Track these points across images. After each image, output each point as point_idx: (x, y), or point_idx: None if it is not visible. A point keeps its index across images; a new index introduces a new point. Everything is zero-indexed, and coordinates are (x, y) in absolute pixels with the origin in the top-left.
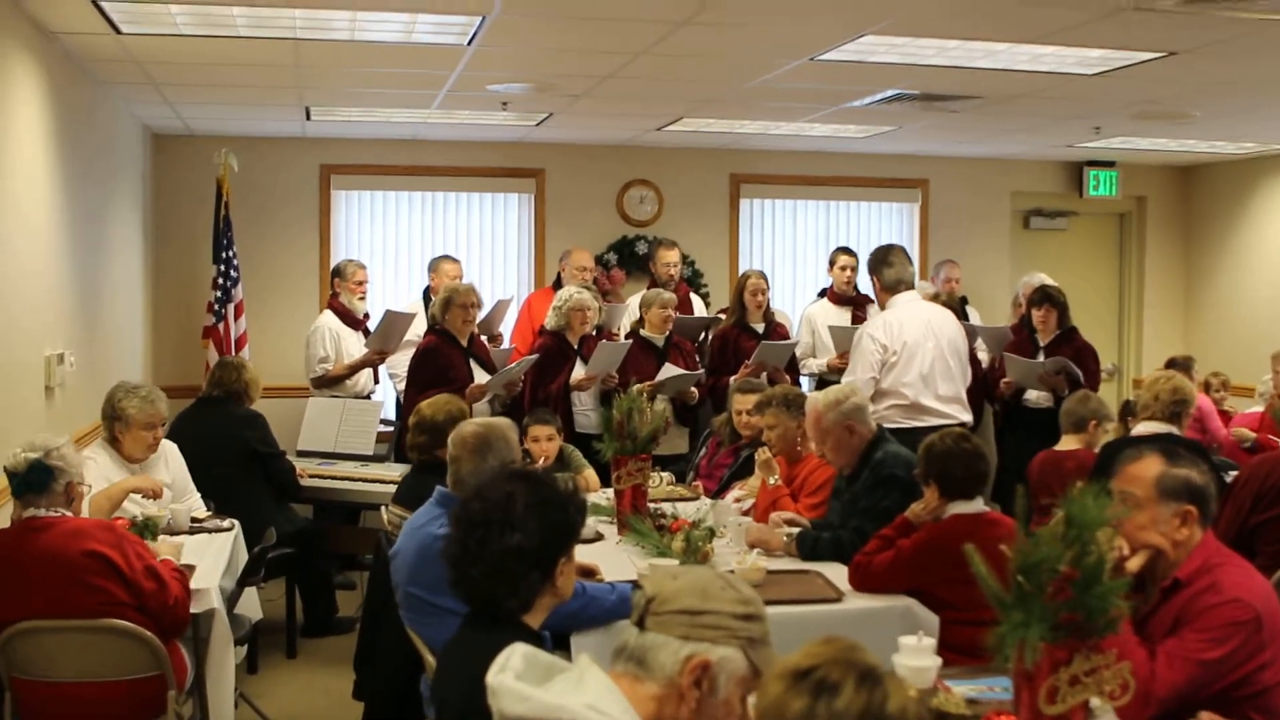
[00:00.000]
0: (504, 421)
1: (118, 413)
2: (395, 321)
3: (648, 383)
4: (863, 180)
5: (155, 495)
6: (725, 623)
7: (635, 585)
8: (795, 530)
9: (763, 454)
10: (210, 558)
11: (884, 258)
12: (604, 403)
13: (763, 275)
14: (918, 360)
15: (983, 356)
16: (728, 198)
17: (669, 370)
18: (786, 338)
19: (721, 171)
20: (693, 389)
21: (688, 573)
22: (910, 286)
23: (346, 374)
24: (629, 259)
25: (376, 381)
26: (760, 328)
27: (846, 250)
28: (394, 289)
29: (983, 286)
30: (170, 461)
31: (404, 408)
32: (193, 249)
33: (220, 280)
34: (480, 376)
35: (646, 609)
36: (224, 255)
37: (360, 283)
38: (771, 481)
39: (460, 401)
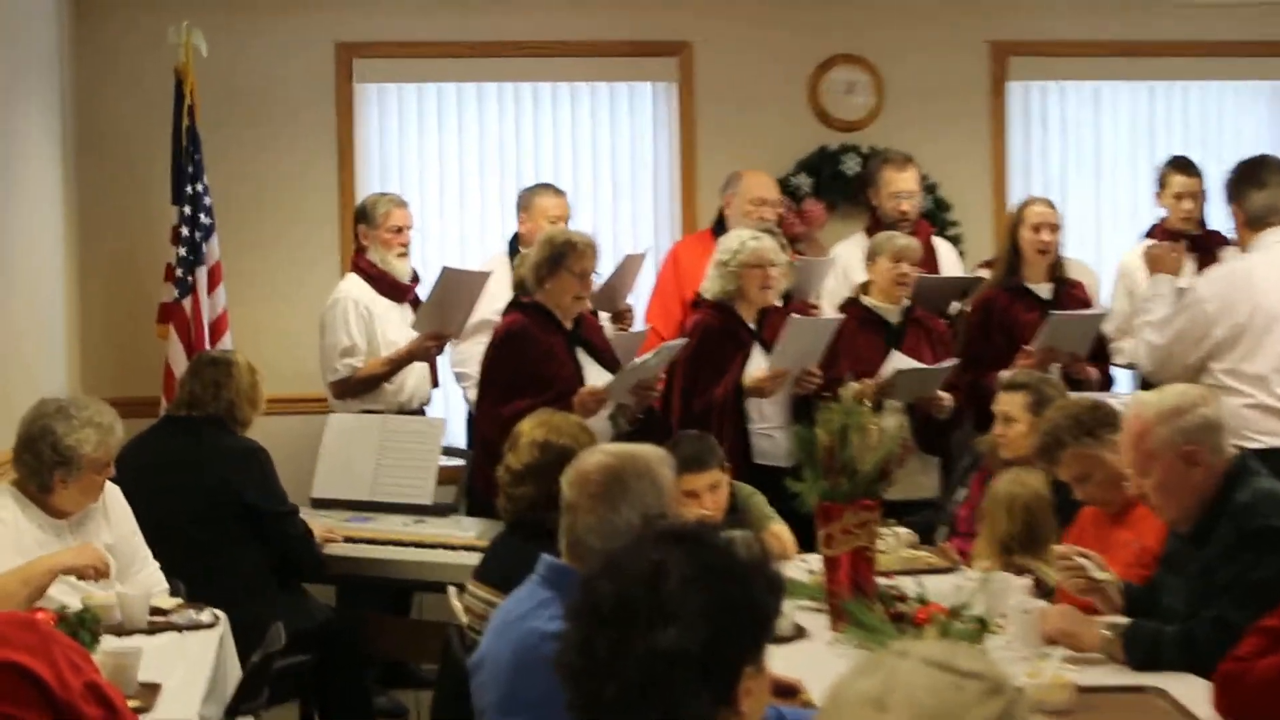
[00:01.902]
0: (649, 451)
1: (63, 453)
2: (459, 286)
3: (872, 382)
4: (1220, 46)
5: (97, 574)
6: None
7: None
8: (1118, 621)
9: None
10: (184, 671)
11: (1252, 175)
12: (800, 416)
13: (1050, 205)
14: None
15: None
16: (988, 81)
17: (906, 361)
18: (1089, 304)
19: (976, 38)
20: (943, 394)
21: (911, 681)
22: None
23: (385, 373)
24: (832, 184)
25: (435, 384)
26: (1046, 290)
27: (1185, 165)
28: (455, 238)
29: None
30: (112, 513)
31: (480, 427)
32: (140, 182)
33: (186, 231)
34: (595, 376)
35: None
36: (189, 191)
37: (399, 229)
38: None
39: (576, 419)
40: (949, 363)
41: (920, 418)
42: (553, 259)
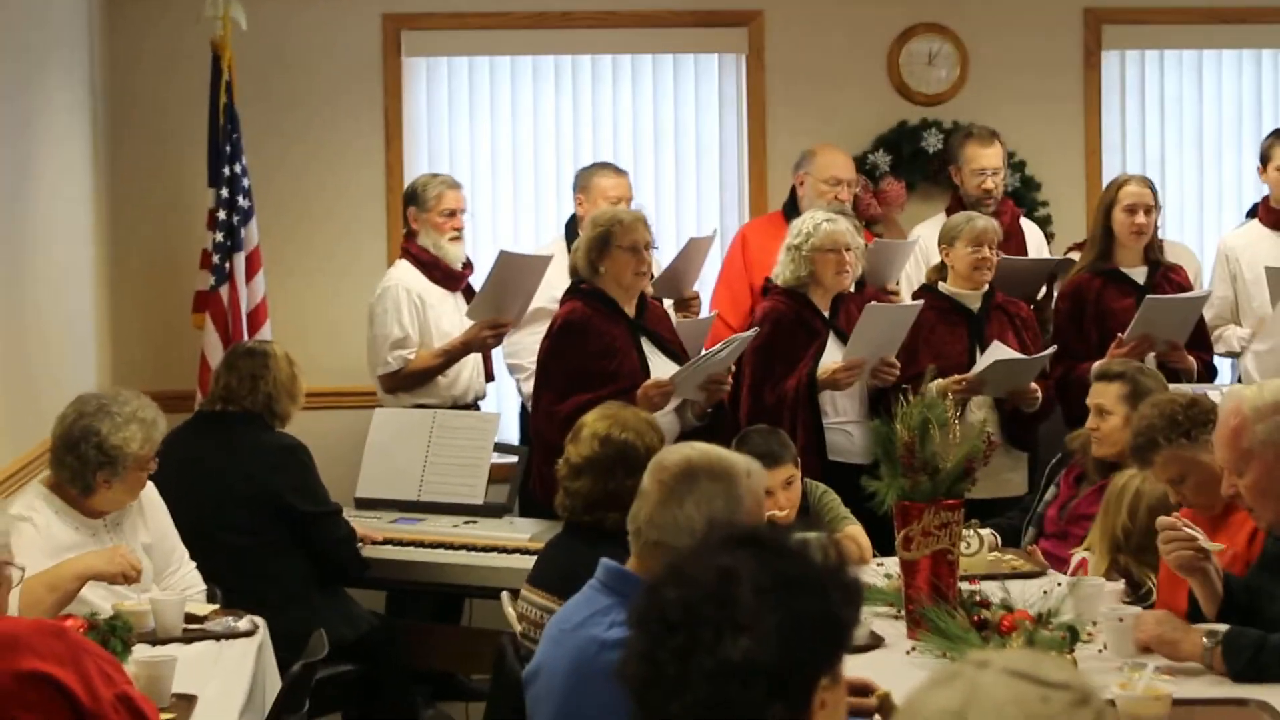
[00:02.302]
0: (739, 459)
1: (109, 453)
2: (518, 271)
3: (954, 378)
4: None
5: (130, 578)
6: None
7: None
8: (1217, 629)
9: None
10: (221, 681)
11: None
12: (877, 410)
13: (1147, 183)
14: None
15: None
16: (1080, 51)
17: (1000, 352)
18: (1188, 287)
19: (1069, 4)
20: (1033, 385)
21: (993, 694)
22: None
23: (440, 365)
24: (912, 162)
25: (490, 378)
26: (1142, 273)
27: None
28: (509, 222)
29: None
30: (148, 513)
31: (536, 424)
32: (175, 163)
33: (223, 215)
34: (661, 368)
35: None
36: (227, 173)
37: (452, 212)
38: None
39: (645, 414)
40: (1046, 352)
41: (1007, 411)
42: (601, 240)
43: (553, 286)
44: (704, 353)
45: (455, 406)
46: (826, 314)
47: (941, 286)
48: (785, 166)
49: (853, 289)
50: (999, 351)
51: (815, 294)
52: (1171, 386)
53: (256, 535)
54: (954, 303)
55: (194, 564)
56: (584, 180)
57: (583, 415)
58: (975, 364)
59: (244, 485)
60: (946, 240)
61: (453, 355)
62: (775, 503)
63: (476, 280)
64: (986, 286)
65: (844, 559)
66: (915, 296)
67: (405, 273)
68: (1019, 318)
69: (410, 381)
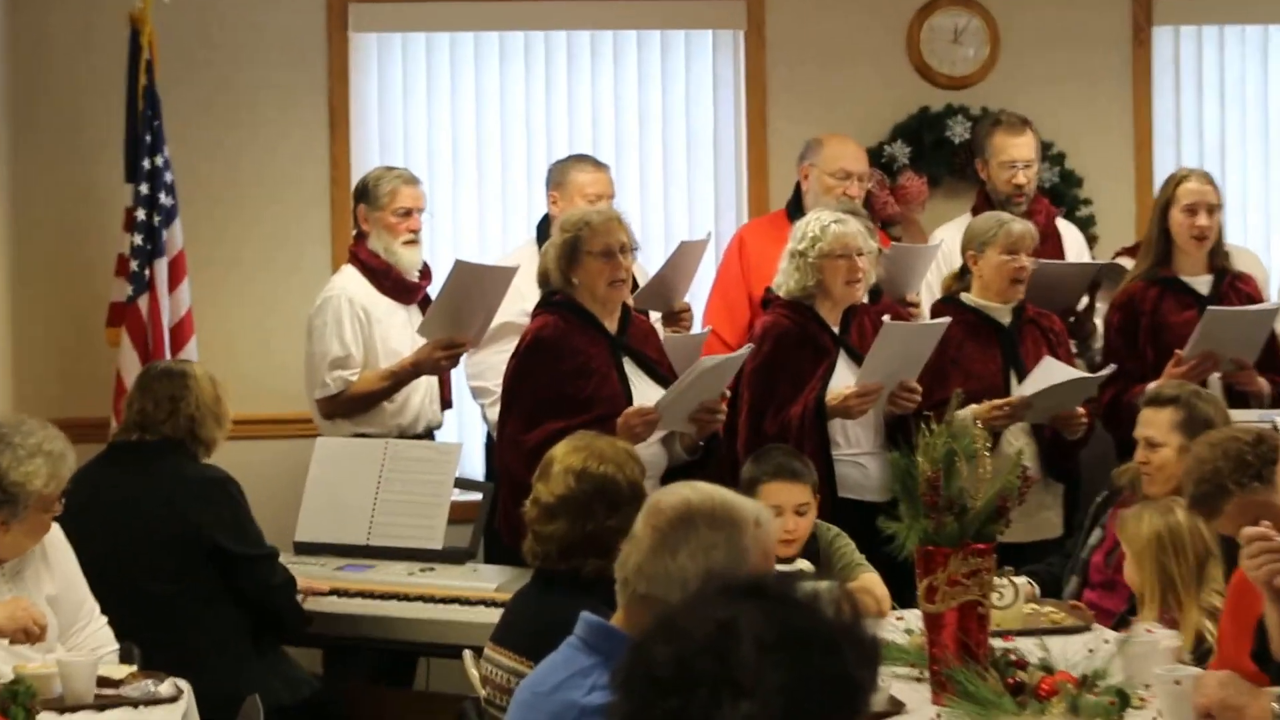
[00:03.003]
0: (746, 504)
1: (9, 491)
2: (474, 285)
3: (995, 403)
4: None
5: (32, 636)
6: None
7: None
8: None
9: None
10: None
11: None
12: (895, 440)
13: (1208, 179)
14: None
15: None
16: (1128, 26)
17: (1057, 372)
18: (1258, 299)
19: None
20: (1079, 409)
21: None
22: None
23: (385, 389)
24: (934, 154)
25: (447, 405)
26: (1205, 282)
27: None
28: (476, 222)
29: None
30: (53, 560)
31: (502, 455)
32: (87, 155)
33: (142, 214)
34: (646, 394)
35: None
36: (147, 166)
37: (408, 211)
38: None
39: (623, 444)
40: (1104, 371)
41: (1046, 438)
42: (569, 246)
43: (524, 298)
44: (692, 370)
45: (403, 437)
46: (836, 329)
47: (965, 298)
48: (789, 159)
49: (866, 300)
50: (1055, 372)
51: (823, 306)
52: (1232, 413)
53: (179, 583)
54: (982, 316)
55: (105, 619)
56: (559, 175)
57: (553, 447)
58: (1011, 386)
59: (164, 525)
60: (975, 245)
61: (401, 378)
62: (782, 525)
63: (435, 291)
64: (1018, 298)
65: (859, 612)
66: (936, 309)
67: (350, 281)
68: (1052, 332)
69: (351, 406)
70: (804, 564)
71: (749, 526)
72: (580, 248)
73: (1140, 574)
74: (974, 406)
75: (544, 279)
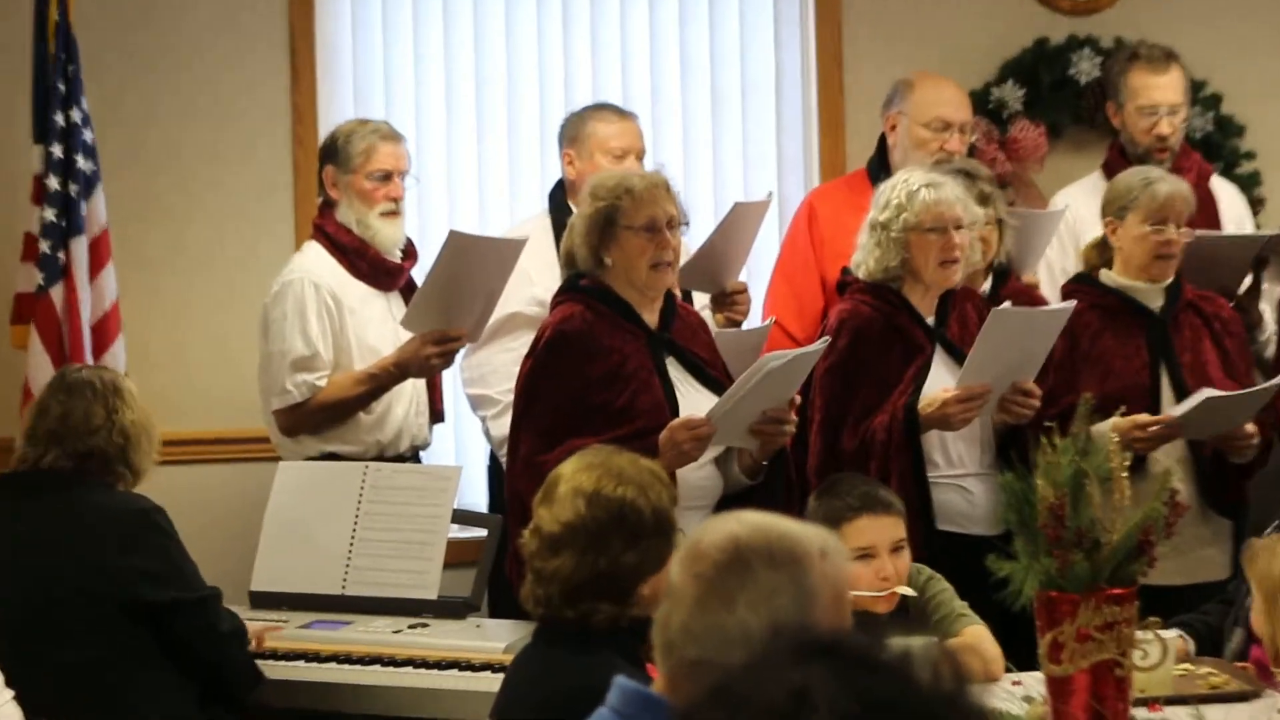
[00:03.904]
0: (808, 533)
1: None
2: (474, 263)
3: (1141, 418)
4: None
5: None
6: None
7: None
8: None
9: None
10: None
11: None
12: (1008, 458)
13: None
14: None
15: None
16: None
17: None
18: None
19: None
20: (1249, 426)
21: None
22: None
23: (360, 398)
24: (1054, 97)
25: (438, 418)
26: None
27: None
28: (474, 188)
29: None
30: None
31: (514, 481)
32: None
33: (54, 183)
34: (694, 400)
35: None
36: (61, 122)
37: (387, 175)
38: None
39: (647, 461)
40: (1275, 381)
41: (1207, 460)
42: (603, 218)
43: (533, 282)
44: (754, 372)
45: (382, 458)
46: (931, 320)
47: (1104, 276)
48: (870, 106)
49: (987, 281)
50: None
51: (913, 291)
52: None
53: (101, 644)
54: (1124, 299)
55: (12, 693)
56: (574, 129)
57: (561, 464)
58: (1162, 388)
59: (79, 573)
60: (1114, 211)
61: (380, 382)
62: (878, 568)
63: (422, 275)
64: (1172, 278)
65: (962, 676)
66: (1067, 291)
67: (316, 261)
68: (1219, 320)
69: (317, 419)
70: (905, 590)
71: (814, 560)
72: (617, 220)
73: (1271, 622)
74: (1114, 419)
75: (569, 259)
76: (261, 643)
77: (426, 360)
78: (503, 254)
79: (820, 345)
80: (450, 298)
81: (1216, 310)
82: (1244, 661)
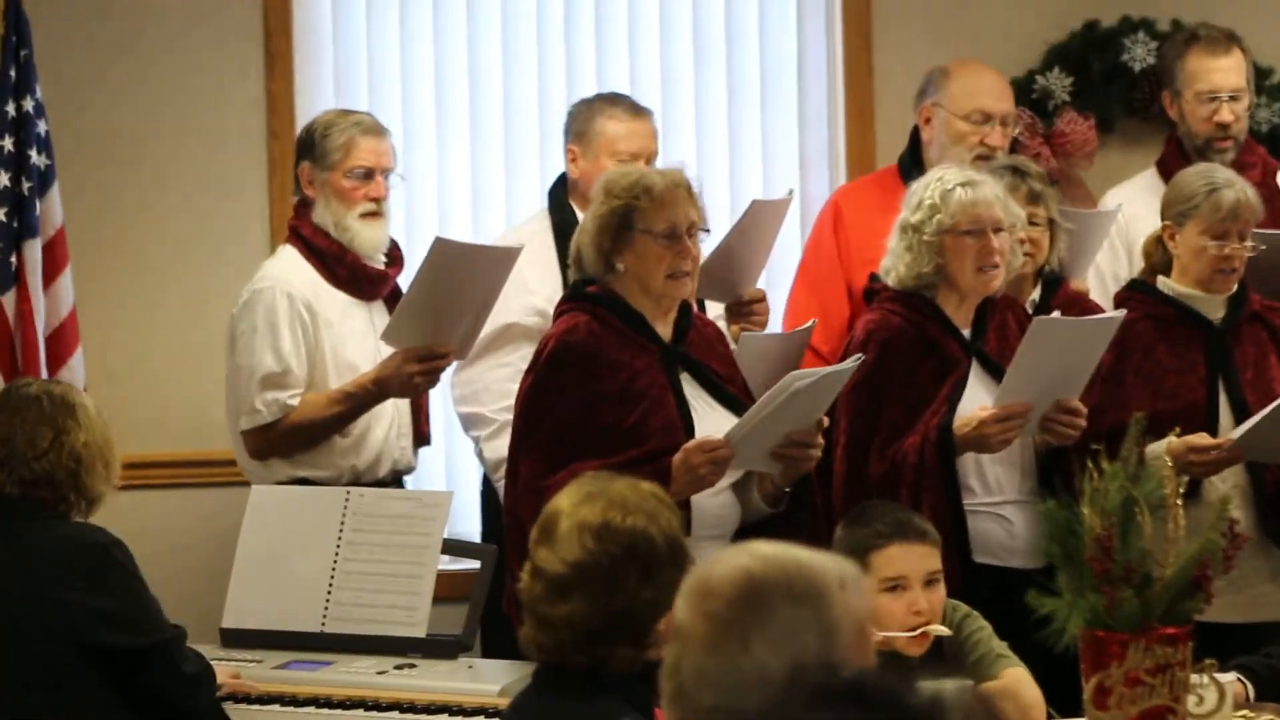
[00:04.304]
0: (824, 564)
1: None
2: (462, 272)
3: (1199, 439)
4: None
5: None
6: None
7: None
8: None
9: None
10: None
11: None
12: (1051, 484)
13: None
14: None
15: None
16: None
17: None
18: None
19: None
20: None
21: None
22: None
23: (336, 418)
24: (1106, 87)
25: (423, 440)
26: None
27: None
28: (466, 187)
29: None
30: None
31: (512, 507)
32: None
33: (5, 179)
34: (711, 420)
35: None
36: (12, 112)
37: (369, 173)
38: None
39: (649, 487)
40: None
41: (1269, 487)
42: (618, 219)
43: (531, 291)
44: (778, 391)
45: (359, 484)
46: (967, 332)
47: (1161, 283)
48: (903, 96)
49: (1037, 289)
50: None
51: (948, 301)
52: None
53: (53, 691)
54: (1180, 309)
55: None
56: (581, 122)
57: (553, 498)
58: (1220, 408)
59: (30, 613)
60: (1173, 215)
61: (359, 402)
62: (911, 601)
63: (409, 283)
64: (1235, 286)
65: None
66: (1119, 300)
67: (289, 268)
68: None
69: (289, 441)
70: (939, 629)
71: (834, 592)
72: (633, 222)
73: None
74: (1169, 440)
75: (577, 260)
76: (233, 686)
77: (409, 379)
78: (495, 263)
79: (852, 364)
80: (436, 311)
81: None
82: None
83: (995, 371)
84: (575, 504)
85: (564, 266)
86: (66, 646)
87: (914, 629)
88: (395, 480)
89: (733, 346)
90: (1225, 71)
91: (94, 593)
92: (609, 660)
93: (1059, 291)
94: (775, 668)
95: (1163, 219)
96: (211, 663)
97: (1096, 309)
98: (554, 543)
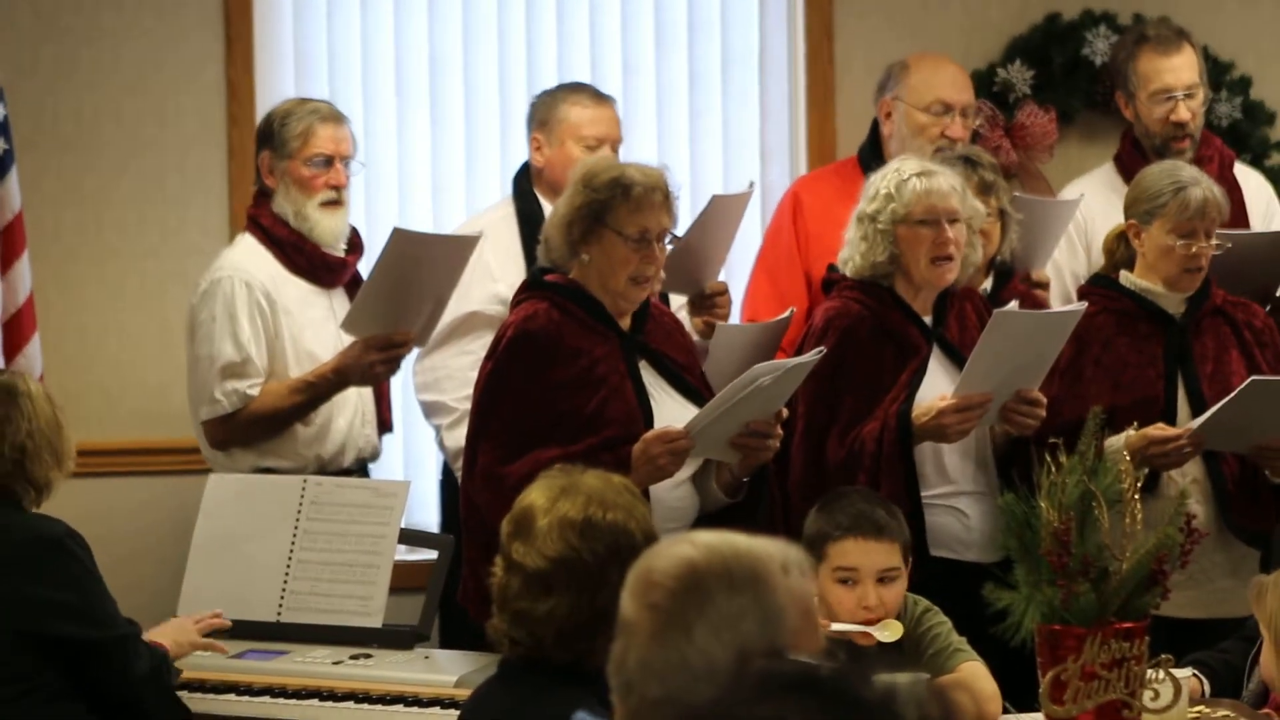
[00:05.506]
0: (767, 549)
1: None
2: (421, 261)
3: (1160, 429)
4: None
5: None
6: None
7: None
8: None
9: None
10: None
11: None
12: (1009, 476)
13: None
14: None
15: None
16: None
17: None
18: None
19: None
20: None
21: None
22: None
23: (297, 408)
24: (1066, 79)
25: (386, 428)
26: None
27: None
28: (426, 175)
29: None
30: None
31: (470, 496)
32: None
33: None
34: (670, 410)
35: None
36: None
37: (329, 160)
38: None
39: (620, 479)
40: None
41: (1230, 481)
42: (592, 210)
43: (494, 279)
44: (740, 383)
45: (323, 473)
46: (928, 320)
47: (1124, 278)
48: (862, 89)
49: (988, 279)
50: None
51: (905, 291)
52: None
53: (9, 684)
54: (1142, 303)
55: None
56: (544, 110)
57: (526, 492)
58: (1178, 403)
59: None
60: (1139, 213)
61: (320, 391)
62: (861, 597)
63: (366, 267)
64: (1198, 284)
65: (951, 715)
66: (1081, 295)
67: (249, 257)
68: (1250, 328)
69: (251, 430)
70: (893, 625)
71: (777, 577)
72: (605, 218)
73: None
74: (1128, 433)
75: (545, 247)
76: (212, 624)
77: (369, 367)
78: (454, 252)
79: (815, 356)
80: (395, 300)
81: (1249, 318)
82: (1265, 706)
83: (957, 358)
84: (552, 499)
85: (528, 255)
86: (21, 637)
87: (863, 623)
88: (361, 468)
89: (695, 338)
90: (1178, 70)
91: (45, 584)
92: (589, 655)
93: (1009, 283)
94: (720, 656)
95: (1127, 216)
96: (166, 655)
97: (1046, 302)
98: (532, 538)
